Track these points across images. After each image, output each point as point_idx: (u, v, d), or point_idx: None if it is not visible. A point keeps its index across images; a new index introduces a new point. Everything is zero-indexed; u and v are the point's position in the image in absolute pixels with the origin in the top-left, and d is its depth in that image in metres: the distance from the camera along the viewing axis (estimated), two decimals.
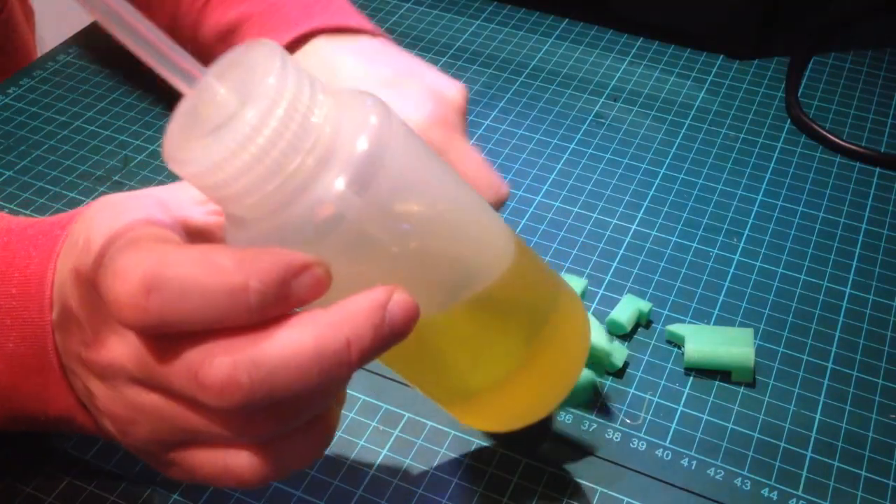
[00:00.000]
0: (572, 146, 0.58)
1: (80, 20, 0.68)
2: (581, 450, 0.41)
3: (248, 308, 0.25)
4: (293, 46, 0.45)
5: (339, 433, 0.42)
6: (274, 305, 0.25)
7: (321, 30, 0.45)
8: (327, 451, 0.41)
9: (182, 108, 0.26)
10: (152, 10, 0.53)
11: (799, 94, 0.62)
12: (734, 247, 0.51)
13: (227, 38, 0.48)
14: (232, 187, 0.25)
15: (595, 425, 0.42)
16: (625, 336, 0.46)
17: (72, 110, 0.59)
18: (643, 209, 0.53)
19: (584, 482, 0.40)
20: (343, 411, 0.43)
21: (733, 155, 0.57)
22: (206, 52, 0.50)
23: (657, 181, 0.55)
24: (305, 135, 0.25)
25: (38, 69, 0.63)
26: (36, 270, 0.32)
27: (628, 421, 0.42)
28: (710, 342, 0.44)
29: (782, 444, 0.42)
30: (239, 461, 0.28)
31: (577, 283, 0.47)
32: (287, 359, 0.25)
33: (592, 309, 0.47)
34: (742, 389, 0.44)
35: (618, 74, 0.64)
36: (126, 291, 0.25)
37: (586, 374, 0.42)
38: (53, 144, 0.57)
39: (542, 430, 0.42)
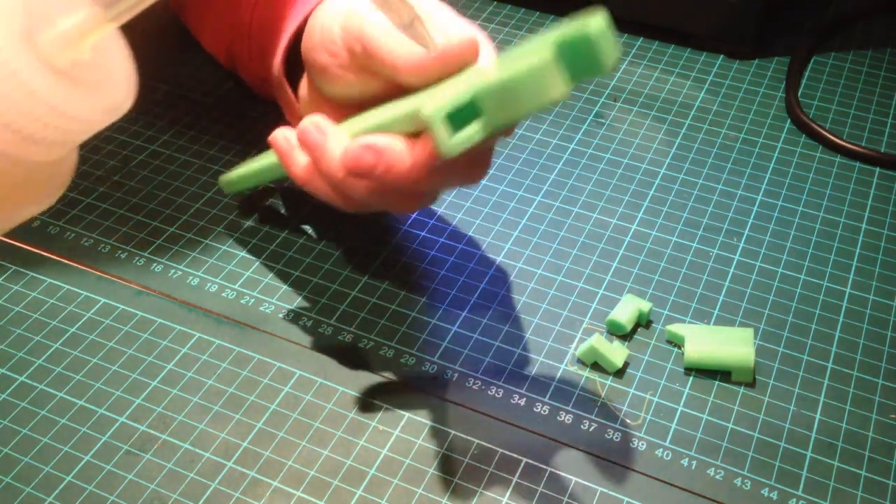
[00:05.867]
0: (572, 146, 0.58)
1: None
2: (581, 450, 0.41)
3: None
4: None
5: (339, 433, 0.42)
6: None
7: None
8: (328, 451, 0.41)
9: None
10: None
11: (799, 94, 0.62)
12: (734, 247, 0.51)
13: None
14: None
15: (595, 425, 0.42)
16: (625, 336, 0.46)
17: None
18: (643, 209, 0.53)
19: (584, 482, 0.40)
20: (343, 411, 0.43)
21: (733, 155, 0.57)
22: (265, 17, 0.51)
23: (657, 181, 0.55)
24: None
25: None
26: None
27: (628, 421, 0.42)
28: (710, 342, 0.44)
29: (782, 444, 0.42)
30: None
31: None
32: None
33: (593, 309, 0.47)
34: (742, 389, 0.44)
35: (618, 74, 0.64)
36: None
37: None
38: None
39: (542, 425, 0.42)
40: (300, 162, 0.41)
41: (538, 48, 0.34)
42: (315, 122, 0.40)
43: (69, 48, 0.25)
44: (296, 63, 0.49)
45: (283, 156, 0.42)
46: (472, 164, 0.38)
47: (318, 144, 0.39)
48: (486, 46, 0.40)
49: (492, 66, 0.36)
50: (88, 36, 0.25)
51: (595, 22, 0.33)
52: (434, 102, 0.34)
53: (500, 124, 0.34)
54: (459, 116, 0.34)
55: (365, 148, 0.37)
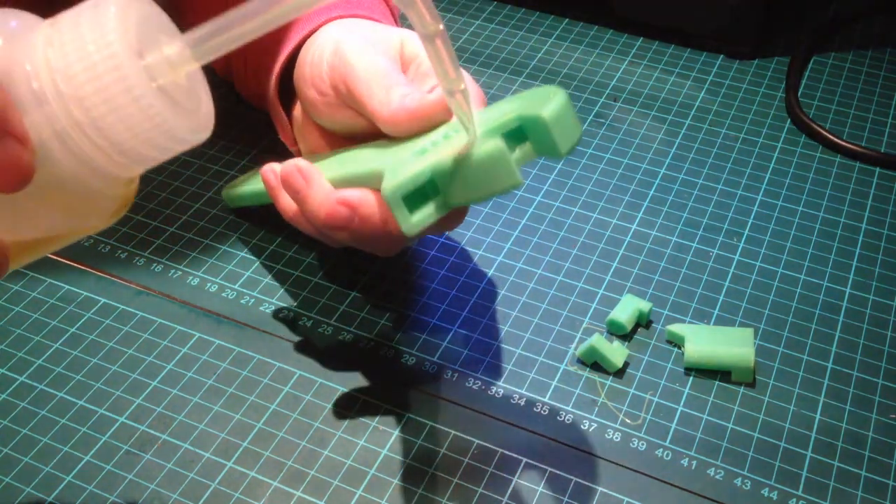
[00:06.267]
0: None
1: None
2: (581, 450, 0.41)
3: None
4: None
5: (339, 433, 0.42)
6: None
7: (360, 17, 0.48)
8: (327, 452, 0.41)
9: None
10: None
11: (799, 94, 0.62)
12: (734, 247, 0.51)
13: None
14: None
15: (595, 425, 0.42)
16: (625, 336, 0.46)
17: None
18: (643, 209, 0.53)
19: (584, 482, 0.40)
20: (343, 411, 0.43)
21: (733, 155, 0.57)
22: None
23: (657, 181, 0.55)
24: None
25: None
26: None
27: (628, 421, 0.42)
28: (710, 342, 0.44)
29: (782, 444, 0.42)
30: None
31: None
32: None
33: (593, 309, 0.47)
34: (742, 389, 0.44)
35: (618, 74, 0.64)
36: None
37: (488, 147, 0.33)
38: None
39: (544, 425, 0.42)
40: (287, 201, 0.42)
41: (499, 125, 0.34)
42: (298, 167, 0.40)
43: (169, 73, 0.27)
44: (291, 84, 0.49)
45: (272, 191, 0.43)
46: (446, 217, 0.38)
47: (301, 189, 0.40)
48: (472, 89, 0.40)
49: (476, 121, 0.35)
50: (182, 66, 0.28)
51: (549, 107, 0.32)
52: (393, 180, 0.34)
53: (457, 203, 0.35)
54: (420, 192, 0.35)
55: (339, 203, 0.38)
